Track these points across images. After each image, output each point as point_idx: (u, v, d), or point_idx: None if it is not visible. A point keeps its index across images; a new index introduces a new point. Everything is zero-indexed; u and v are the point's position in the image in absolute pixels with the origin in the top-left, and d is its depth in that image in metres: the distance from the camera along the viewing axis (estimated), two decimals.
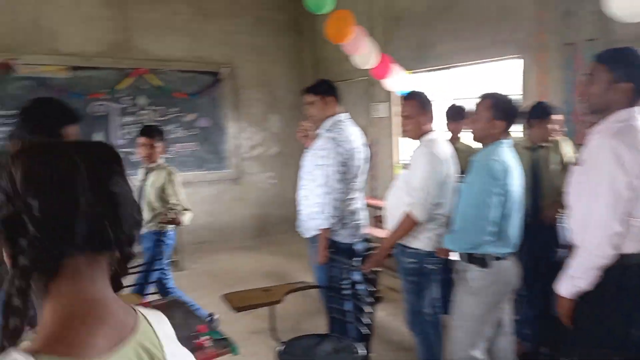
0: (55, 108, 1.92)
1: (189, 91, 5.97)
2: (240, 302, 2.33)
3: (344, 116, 2.86)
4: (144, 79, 5.70)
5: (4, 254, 0.65)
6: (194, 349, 1.82)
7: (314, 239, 2.76)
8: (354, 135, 2.81)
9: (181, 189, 3.53)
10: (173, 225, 3.47)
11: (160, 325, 0.76)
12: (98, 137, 5.39)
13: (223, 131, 6.27)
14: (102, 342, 0.64)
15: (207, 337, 1.89)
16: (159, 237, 3.42)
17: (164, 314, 2.08)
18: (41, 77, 5.16)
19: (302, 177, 2.89)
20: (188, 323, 2.09)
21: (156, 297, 3.23)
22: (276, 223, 6.50)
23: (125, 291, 3.05)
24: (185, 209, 3.49)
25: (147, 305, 2.24)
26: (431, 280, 2.53)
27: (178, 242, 5.41)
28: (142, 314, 0.74)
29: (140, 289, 3.16)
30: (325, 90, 2.84)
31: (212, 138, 6.20)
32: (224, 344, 1.89)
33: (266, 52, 6.49)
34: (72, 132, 1.90)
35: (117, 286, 0.73)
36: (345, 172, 2.69)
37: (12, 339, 0.62)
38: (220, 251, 5.99)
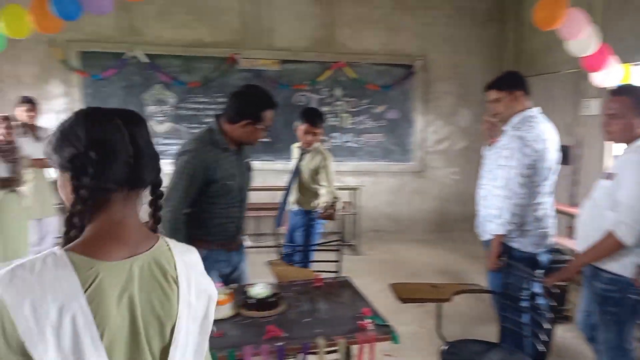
0: (259, 94, 2.27)
1: (381, 83, 6.14)
2: (406, 294, 2.35)
3: (535, 111, 2.57)
4: (341, 72, 6.08)
5: (66, 187, 0.92)
6: (356, 329, 1.91)
7: (489, 243, 2.61)
8: (547, 133, 2.50)
9: (334, 175, 3.52)
10: (321, 204, 3.50)
11: (183, 254, 0.99)
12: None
13: (410, 124, 6.30)
14: (119, 252, 0.88)
15: (370, 320, 1.96)
16: (311, 217, 3.50)
17: (334, 292, 2.21)
18: (257, 70, 5.93)
19: (483, 175, 2.72)
20: (354, 304, 2.18)
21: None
22: (456, 220, 6.30)
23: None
24: (335, 197, 3.49)
25: (321, 281, 2.43)
26: (636, 311, 2.17)
27: (357, 227, 5.70)
28: (166, 242, 0.97)
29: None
30: (513, 83, 2.57)
31: (399, 130, 6.29)
32: (386, 330, 1.93)
33: (462, 43, 6.27)
34: (269, 115, 2.25)
35: (156, 220, 1.00)
36: (531, 175, 2.44)
37: (68, 243, 0.88)
38: (397, 241, 6.08)
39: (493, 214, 2.56)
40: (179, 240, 2.20)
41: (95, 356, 0.81)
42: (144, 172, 0.93)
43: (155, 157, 0.96)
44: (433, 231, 6.44)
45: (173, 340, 0.92)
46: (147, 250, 0.92)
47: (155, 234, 0.97)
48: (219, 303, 1.97)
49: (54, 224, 4.61)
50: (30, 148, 4.33)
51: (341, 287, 2.39)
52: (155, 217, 0.99)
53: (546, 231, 2.55)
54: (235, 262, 2.45)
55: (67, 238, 0.88)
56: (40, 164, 4.41)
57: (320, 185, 3.50)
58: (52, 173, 4.87)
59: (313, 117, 3.39)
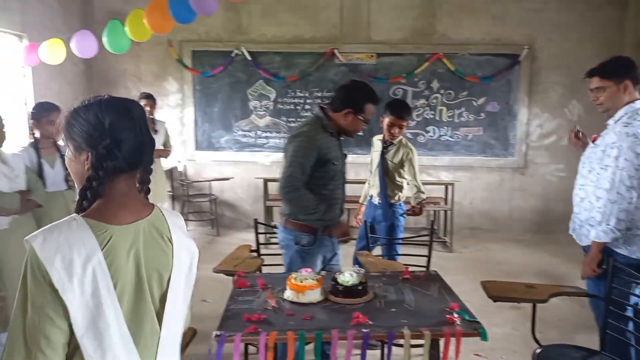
0: (363, 88, 2.51)
1: (482, 75, 5.91)
2: (497, 292, 2.28)
3: None
4: (439, 64, 5.94)
5: (79, 165, 1.09)
6: (443, 322, 1.91)
7: (589, 248, 2.40)
8: None
9: (418, 169, 3.49)
10: (402, 198, 3.48)
11: (173, 218, 1.20)
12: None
13: (513, 117, 5.99)
14: (126, 218, 1.08)
15: (458, 315, 1.95)
16: (394, 211, 3.48)
17: (422, 285, 2.22)
18: (353, 64, 6.01)
19: (582, 175, 2.48)
20: (443, 298, 2.17)
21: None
22: (560, 221, 5.84)
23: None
24: (420, 192, 3.45)
25: (408, 273, 2.46)
26: None
27: (450, 224, 5.56)
28: (160, 209, 1.18)
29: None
30: (621, 71, 2.29)
31: (499, 123, 6.01)
32: (474, 326, 1.89)
33: (575, 29, 5.81)
34: (370, 109, 2.48)
35: (146, 190, 1.19)
36: None
37: (82, 211, 1.07)
38: (493, 240, 5.85)
39: (594, 218, 2.35)
40: (310, 203, 2.40)
41: (109, 301, 1.02)
42: (146, 155, 1.14)
43: (152, 142, 1.16)
44: (533, 231, 6.08)
45: (170, 288, 1.14)
46: (147, 216, 1.13)
47: (151, 203, 1.18)
48: (309, 288, 2.10)
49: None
50: None
51: (430, 280, 2.39)
52: (144, 189, 1.19)
53: None
54: (336, 248, 2.66)
55: (81, 207, 1.08)
56: (156, 154, 4.88)
57: (404, 178, 3.49)
58: (166, 163, 5.39)
59: (400, 110, 3.31)
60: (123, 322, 1.05)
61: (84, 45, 4.24)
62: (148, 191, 1.20)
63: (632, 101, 2.30)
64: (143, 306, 1.09)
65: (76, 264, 0.98)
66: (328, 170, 2.44)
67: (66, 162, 1.16)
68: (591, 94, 2.42)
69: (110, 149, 1.06)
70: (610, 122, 2.36)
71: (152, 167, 1.20)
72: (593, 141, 2.48)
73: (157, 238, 1.13)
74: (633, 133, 2.20)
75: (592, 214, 2.38)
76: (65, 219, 1.04)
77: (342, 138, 2.60)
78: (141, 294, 1.09)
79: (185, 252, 1.19)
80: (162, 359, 1.13)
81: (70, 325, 1.00)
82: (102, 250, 1.01)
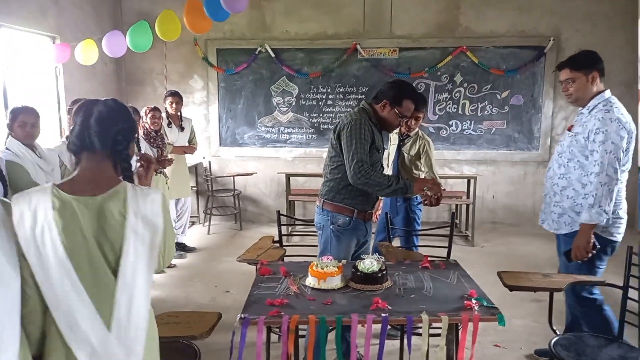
0: (406, 85, 2.63)
1: (506, 67, 5.86)
2: (513, 281, 2.30)
3: (609, 94, 2.47)
4: (462, 57, 5.91)
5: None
6: (461, 307, 1.95)
7: (571, 236, 2.51)
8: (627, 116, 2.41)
9: (435, 161, 3.53)
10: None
11: (139, 197, 1.38)
12: None
13: (537, 110, 5.93)
14: (82, 190, 1.35)
15: (476, 301, 1.99)
16: (411, 203, 3.51)
17: (442, 273, 2.27)
18: (375, 59, 6.03)
19: (559, 164, 2.60)
20: (462, 285, 2.21)
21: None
22: None
23: None
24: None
25: (428, 262, 2.49)
26: None
27: (472, 218, 5.53)
28: (124, 187, 1.39)
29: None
30: (589, 63, 2.46)
31: (523, 116, 5.95)
32: (492, 312, 1.93)
33: (604, 19, 5.70)
34: (408, 105, 2.59)
35: (124, 175, 1.44)
36: (622, 158, 2.36)
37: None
38: (516, 234, 5.80)
39: (580, 205, 2.48)
40: (383, 179, 2.48)
41: (55, 254, 1.26)
42: (94, 139, 1.39)
43: (103, 130, 1.40)
44: None
45: (122, 254, 1.34)
46: (104, 193, 1.36)
47: (120, 181, 1.41)
48: (330, 274, 2.17)
49: (188, 204, 5.20)
50: (174, 136, 4.97)
51: (449, 269, 2.43)
52: (117, 170, 1.44)
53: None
54: (369, 236, 2.77)
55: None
56: (181, 150, 5.03)
57: (420, 171, 3.51)
58: (191, 159, 5.52)
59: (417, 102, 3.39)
60: (74, 274, 1.27)
61: (113, 44, 4.40)
62: (126, 175, 1.44)
63: (602, 91, 2.46)
64: (95, 264, 1.31)
65: (27, 215, 1.27)
66: (372, 155, 2.53)
67: None
68: (561, 85, 2.57)
69: (71, 135, 1.43)
70: (584, 111, 2.49)
71: (123, 154, 1.44)
72: (569, 129, 2.59)
73: (110, 212, 1.34)
74: (616, 118, 2.34)
75: (578, 201, 2.49)
76: (43, 185, 1.37)
77: (385, 129, 2.69)
78: (95, 256, 1.32)
79: (145, 225, 1.37)
80: (121, 307, 1.33)
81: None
82: (55, 210, 1.28)
